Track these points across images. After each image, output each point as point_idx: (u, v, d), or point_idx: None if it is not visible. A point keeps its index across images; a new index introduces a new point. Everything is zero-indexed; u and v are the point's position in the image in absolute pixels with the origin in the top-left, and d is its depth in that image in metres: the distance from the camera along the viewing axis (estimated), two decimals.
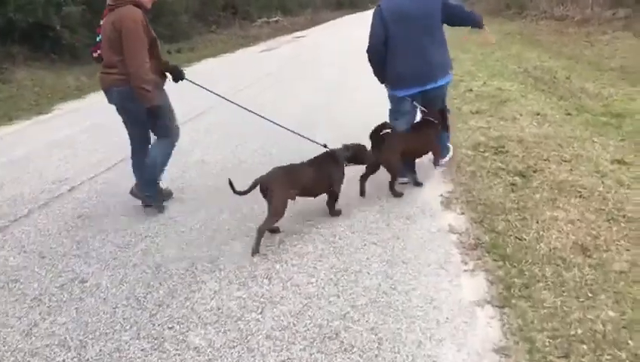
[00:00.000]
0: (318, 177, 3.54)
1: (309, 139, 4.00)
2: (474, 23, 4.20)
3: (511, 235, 3.28)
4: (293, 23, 33.93)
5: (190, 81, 3.99)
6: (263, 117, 4.11)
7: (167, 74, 3.88)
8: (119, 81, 3.55)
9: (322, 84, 9.88)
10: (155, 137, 3.98)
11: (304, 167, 3.53)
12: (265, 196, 3.31)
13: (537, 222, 3.42)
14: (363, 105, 7.14)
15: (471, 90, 7.92)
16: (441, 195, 4.03)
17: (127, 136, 4.07)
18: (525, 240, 3.22)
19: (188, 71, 4.16)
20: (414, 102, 4.20)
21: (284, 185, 3.32)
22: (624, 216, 3.43)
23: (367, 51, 4.12)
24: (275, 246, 3.42)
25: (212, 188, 4.55)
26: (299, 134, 4.06)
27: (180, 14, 18.16)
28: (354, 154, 3.73)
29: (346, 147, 3.71)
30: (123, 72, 3.51)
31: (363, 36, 4.45)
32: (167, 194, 4.25)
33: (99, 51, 3.78)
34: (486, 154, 4.85)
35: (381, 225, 3.63)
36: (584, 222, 3.40)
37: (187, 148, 5.81)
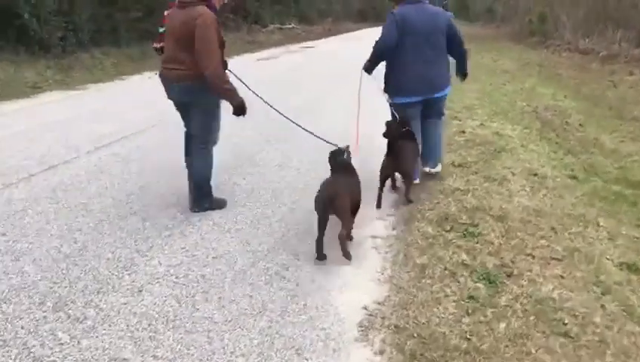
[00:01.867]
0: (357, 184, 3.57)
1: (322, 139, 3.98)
2: (461, 65, 4.69)
3: None
4: (309, 32, 32.87)
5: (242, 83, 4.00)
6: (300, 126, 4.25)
7: None
8: (184, 76, 3.60)
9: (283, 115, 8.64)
10: (194, 148, 3.97)
11: (347, 177, 3.50)
12: (331, 213, 3.22)
13: None
14: None
15: (463, 131, 6.67)
16: (365, 308, 2.76)
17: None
18: None
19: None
20: (393, 110, 4.42)
21: (345, 195, 3.28)
22: None
23: (375, 47, 4.31)
24: None
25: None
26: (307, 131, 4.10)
27: None
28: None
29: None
30: (190, 68, 3.56)
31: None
32: (223, 203, 4.16)
33: (161, 43, 3.86)
34: (451, 235, 3.61)
35: None
36: None
37: (83, 181, 4.63)
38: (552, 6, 21.50)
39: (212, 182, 4.08)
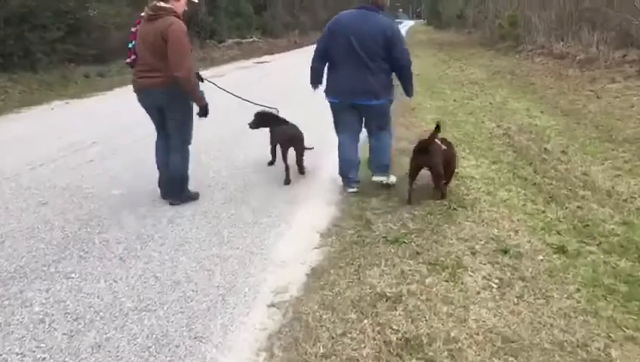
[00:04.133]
0: None
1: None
2: (403, 84, 4.48)
3: None
4: (273, 45, 31.26)
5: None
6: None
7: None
8: (162, 84, 3.89)
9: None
10: (171, 145, 4.22)
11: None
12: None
13: None
14: None
15: None
16: None
17: None
18: None
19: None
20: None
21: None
22: None
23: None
24: None
25: None
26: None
27: (108, 30, 15.29)
28: None
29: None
30: (167, 75, 3.82)
31: None
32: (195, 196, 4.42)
33: (133, 57, 4.08)
34: None
35: None
36: None
37: None
38: (523, 8, 20.14)
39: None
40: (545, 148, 6.13)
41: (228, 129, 6.95)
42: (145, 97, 4.07)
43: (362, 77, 4.16)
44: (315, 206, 4.24)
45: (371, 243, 3.42)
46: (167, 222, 3.90)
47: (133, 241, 3.56)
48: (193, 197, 4.39)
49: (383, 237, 3.52)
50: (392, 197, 4.34)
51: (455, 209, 4.08)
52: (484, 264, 3.19)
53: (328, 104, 4.48)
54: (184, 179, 4.31)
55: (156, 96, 3.99)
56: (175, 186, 4.29)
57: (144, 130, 6.79)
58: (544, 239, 3.60)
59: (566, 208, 4.24)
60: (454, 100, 9.56)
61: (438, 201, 4.23)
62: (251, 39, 29.87)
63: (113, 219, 3.98)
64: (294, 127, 4.95)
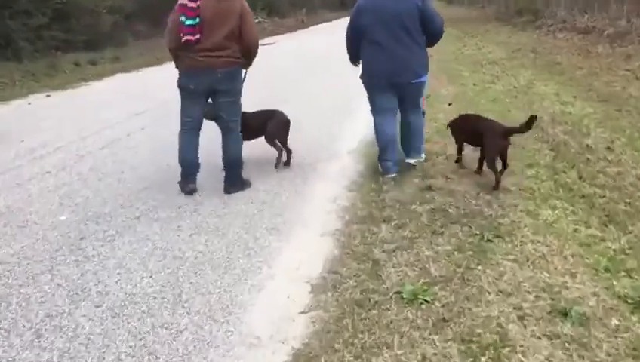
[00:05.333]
0: None
1: None
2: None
3: None
4: (279, 25, 30.11)
5: None
6: None
7: None
8: (229, 62, 3.85)
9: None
10: (226, 132, 4.11)
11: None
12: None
13: None
14: None
15: (429, 187, 4.06)
16: None
17: None
18: None
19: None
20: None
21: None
22: None
23: (346, 39, 4.37)
24: None
25: None
26: None
27: (99, 14, 14.28)
28: None
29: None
30: (232, 55, 3.85)
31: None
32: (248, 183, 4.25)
33: (198, 35, 3.75)
34: None
35: None
36: None
37: None
38: None
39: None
40: (587, 145, 5.13)
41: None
42: (203, 78, 3.88)
43: (402, 55, 4.07)
44: (307, 238, 3.31)
45: (380, 303, 2.49)
46: (113, 268, 2.99)
47: (57, 305, 2.65)
48: (247, 184, 4.23)
49: (396, 292, 2.58)
50: (406, 223, 3.39)
51: (489, 240, 3.13)
52: (539, 337, 2.25)
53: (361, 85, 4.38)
54: (240, 161, 4.19)
55: (215, 77, 3.87)
56: (234, 172, 4.14)
57: (116, 131, 6.03)
58: (612, 288, 2.65)
59: (629, 232, 3.29)
60: (474, 85, 8.52)
61: (467, 229, 3.28)
62: (257, 20, 28.71)
63: (43, 264, 3.07)
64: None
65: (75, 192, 4.24)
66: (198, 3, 3.71)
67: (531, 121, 3.86)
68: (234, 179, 4.14)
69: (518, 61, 11.34)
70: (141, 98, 8.46)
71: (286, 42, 19.69)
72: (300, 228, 3.43)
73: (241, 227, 3.46)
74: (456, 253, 3.02)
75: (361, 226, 3.34)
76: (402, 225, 3.36)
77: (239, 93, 4.11)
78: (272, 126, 4.59)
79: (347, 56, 4.48)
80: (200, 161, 4.15)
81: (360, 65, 4.38)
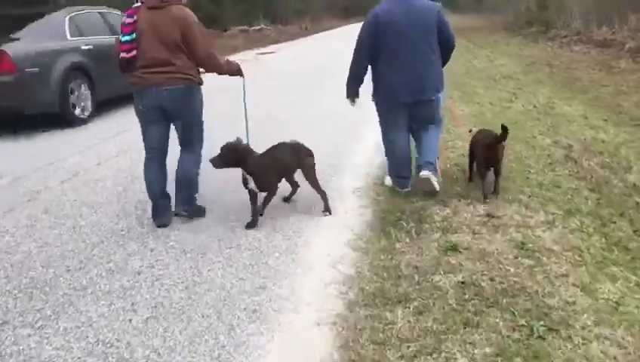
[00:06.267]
0: None
1: None
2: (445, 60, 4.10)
3: None
4: (282, 33, 29.52)
5: None
6: None
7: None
8: (173, 79, 3.46)
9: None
10: (183, 147, 3.73)
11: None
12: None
13: None
14: None
15: (454, 247, 3.27)
16: None
17: None
18: None
19: None
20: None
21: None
22: None
23: (351, 60, 4.04)
24: None
25: None
26: None
27: None
28: None
29: None
30: (180, 70, 3.46)
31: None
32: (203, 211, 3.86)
33: (134, 52, 3.43)
34: None
35: None
36: None
37: None
38: None
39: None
40: (634, 184, 4.36)
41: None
42: (149, 98, 3.52)
43: (423, 70, 3.88)
44: (298, 329, 2.52)
45: None
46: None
47: None
48: (201, 212, 3.82)
49: None
50: (429, 307, 2.59)
51: (541, 337, 2.32)
52: None
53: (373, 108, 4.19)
54: (194, 182, 3.77)
55: (161, 95, 3.50)
56: (184, 189, 3.71)
57: (86, 158, 5.20)
58: None
59: None
60: (490, 103, 7.75)
61: (509, 317, 2.48)
62: (259, 27, 28.06)
63: None
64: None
65: (16, 246, 3.44)
66: (135, 18, 3.42)
67: (504, 133, 3.81)
68: (185, 199, 3.73)
69: (533, 75, 10.59)
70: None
71: (286, 50, 18.95)
72: (290, 312, 2.62)
73: (213, 307, 2.67)
74: (498, 357, 2.21)
75: (371, 312, 2.53)
76: (424, 309, 2.56)
77: (197, 117, 3.70)
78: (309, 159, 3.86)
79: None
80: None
81: (357, 100, 4.16)
